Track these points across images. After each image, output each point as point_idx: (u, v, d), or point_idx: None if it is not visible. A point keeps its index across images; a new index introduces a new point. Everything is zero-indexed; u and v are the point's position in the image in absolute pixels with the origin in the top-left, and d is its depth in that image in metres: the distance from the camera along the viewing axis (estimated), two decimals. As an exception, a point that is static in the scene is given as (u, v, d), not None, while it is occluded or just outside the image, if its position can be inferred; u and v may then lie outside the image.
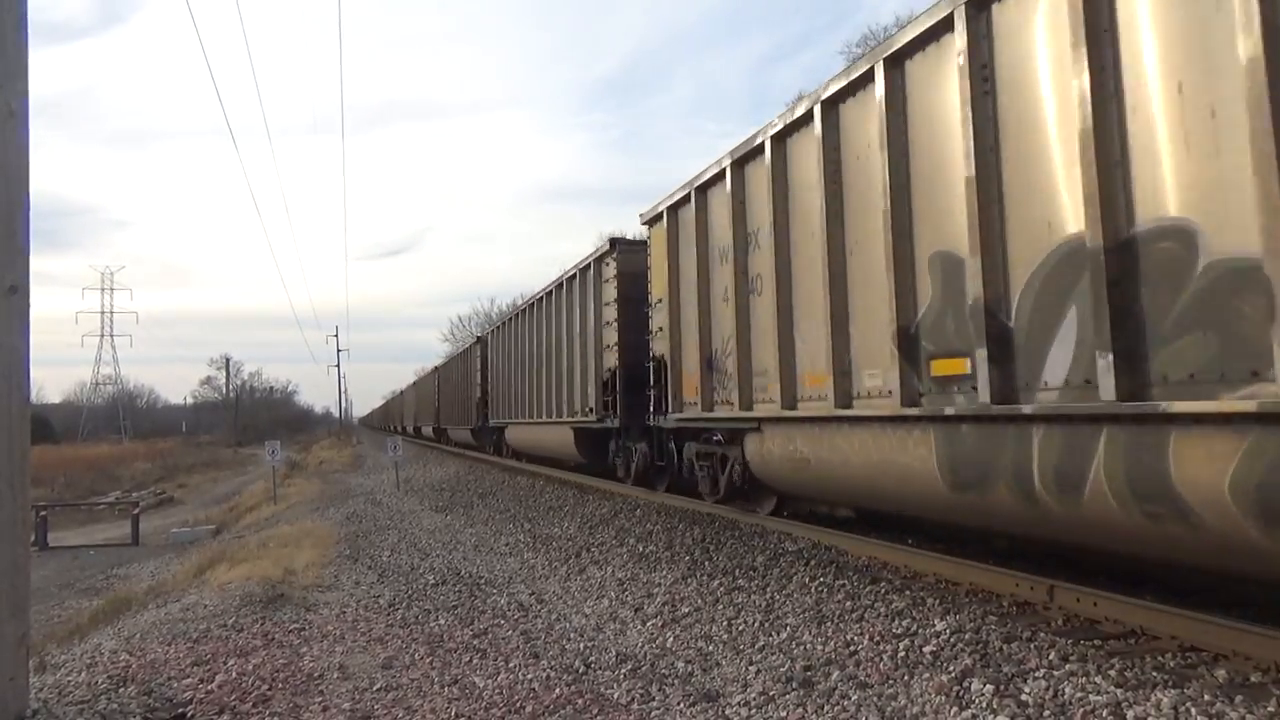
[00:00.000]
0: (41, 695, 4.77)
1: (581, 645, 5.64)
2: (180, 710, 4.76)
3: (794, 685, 4.49)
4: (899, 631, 5.11)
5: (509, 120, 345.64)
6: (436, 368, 41.12)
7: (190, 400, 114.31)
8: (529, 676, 5.06)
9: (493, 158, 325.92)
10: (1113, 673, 4.11)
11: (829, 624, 5.45)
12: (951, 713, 3.92)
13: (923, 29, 5.99)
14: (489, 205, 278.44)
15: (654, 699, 4.56)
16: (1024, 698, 3.96)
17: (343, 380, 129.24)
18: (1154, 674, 4.08)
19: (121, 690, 5.04)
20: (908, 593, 5.95)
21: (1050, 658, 4.41)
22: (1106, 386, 4.56)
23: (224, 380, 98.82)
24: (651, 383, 11.35)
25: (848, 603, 5.85)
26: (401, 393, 56.01)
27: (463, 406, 29.12)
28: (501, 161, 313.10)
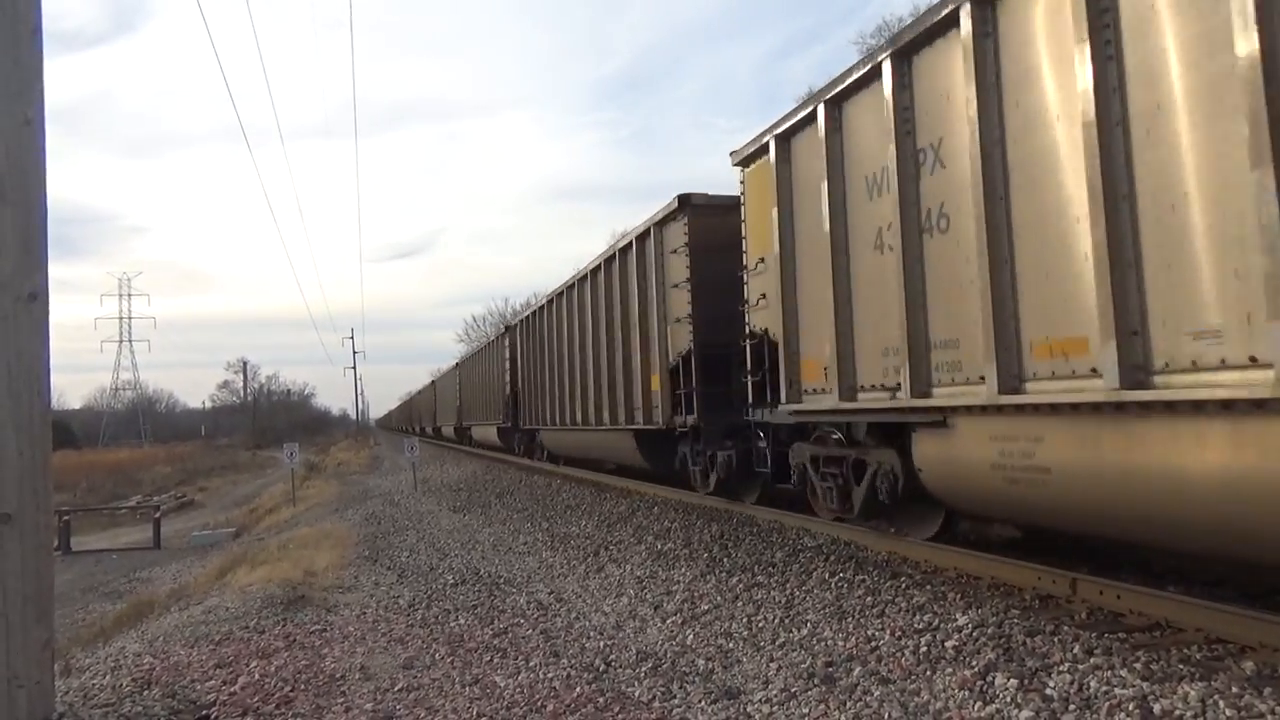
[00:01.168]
0: (67, 699, 4.81)
1: (601, 643, 5.64)
2: (204, 712, 4.79)
3: (815, 681, 4.48)
4: (920, 626, 5.08)
5: (520, 120, 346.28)
6: (458, 364, 36.95)
7: (209, 404, 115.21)
8: (550, 675, 5.06)
9: (504, 158, 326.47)
10: (1138, 666, 4.07)
11: (850, 620, 5.42)
12: (975, 708, 3.89)
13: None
14: (501, 205, 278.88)
15: (675, 696, 4.56)
16: (1049, 692, 3.93)
17: (359, 382, 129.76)
18: (1180, 667, 4.04)
19: (145, 693, 5.07)
20: (928, 587, 5.91)
21: (1074, 651, 4.36)
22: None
23: (242, 384, 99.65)
24: (749, 367, 8.95)
25: (868, 598, 5.82)
26: (435, 382, 53.08)
27: (487, 405, 26.95)
28: (513, 161, 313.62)
